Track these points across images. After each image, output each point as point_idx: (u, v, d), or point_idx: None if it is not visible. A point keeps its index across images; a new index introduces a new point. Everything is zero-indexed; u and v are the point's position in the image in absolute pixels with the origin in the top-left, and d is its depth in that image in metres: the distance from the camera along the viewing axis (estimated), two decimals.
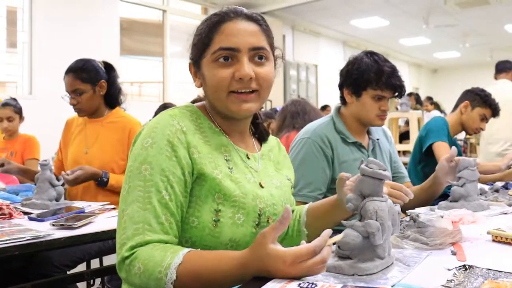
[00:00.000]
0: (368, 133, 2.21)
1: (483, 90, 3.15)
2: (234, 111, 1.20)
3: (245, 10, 1.23)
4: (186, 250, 1.05)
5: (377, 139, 2.22)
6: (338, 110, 2.20)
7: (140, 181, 1.10)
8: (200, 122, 1.24)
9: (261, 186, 1.26)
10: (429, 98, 10.45)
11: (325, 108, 8.57)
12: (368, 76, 2.03)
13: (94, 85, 2.50)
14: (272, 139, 1.46)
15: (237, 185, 1.19)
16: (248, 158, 1.29)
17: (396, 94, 2.08)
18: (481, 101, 3.09)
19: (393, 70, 2.05)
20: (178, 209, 1.13)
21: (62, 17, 6.46)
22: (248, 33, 1.19)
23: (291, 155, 2.09)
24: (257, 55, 1.20)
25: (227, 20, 1.20)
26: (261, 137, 1.41)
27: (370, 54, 2.10)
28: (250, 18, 1.22)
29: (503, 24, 11.17)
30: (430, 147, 2.90)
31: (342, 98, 2.16)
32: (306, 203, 1.93)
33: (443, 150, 2.80)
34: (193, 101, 1.38)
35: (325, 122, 2.15)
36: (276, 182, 1.34)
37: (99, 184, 2.35)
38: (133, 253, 1.05)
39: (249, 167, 1.27)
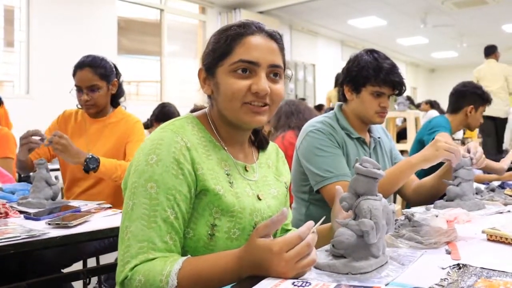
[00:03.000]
0: (369, 131, 2.22)
1: (478, 87, 3.27)
2: (245, 121, 1.22)
3: (266, 27, 1.25)
4: (185, 257, 1.06)
5: (379, 138, 2.24)
6: (340, 107, 2.21)
7: (146, 199, 1.10)
8: (202, 135, 1.24)
9: (259, 199, 1.27)
10: (427, 103, 10.52)
11: (320, 108, 8.50)
12: (367, 72, 2.04)
13: (108, 83, 2.49)
14: (270, 145, 1.46)
15: (237, 200, 1.20)
16: (247, 170, 1.30)
17: (396, 91, 2.09)
18: (482, 101, 3.22)
19: (392, 66, 2.06)
20: (182, 225, 1.14)
21: (59, 17, 6.45)
22: (268, 49, 1.21)
23: (302, 149, 2.08)
24: (273, 72, 1.22)
25: (249, 33, 1.21)
26: (260, 146, 1.42)
27: (370, 51, 2.12)
28: (270, 35, 1.24)
29: (500, 24, 11.20)
30: None
31: (343, 95, 2.17)
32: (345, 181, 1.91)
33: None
34: (192, 111, 1.39)
35: (329, 117, 2.16)
36: (273, 191, 1.35)
37: (89, 163, 2.20)
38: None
39: (247, 180, 1.28)
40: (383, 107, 2.08)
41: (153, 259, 1.06)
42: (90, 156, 2.22)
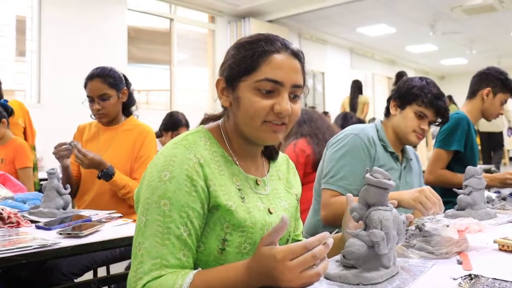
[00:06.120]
0: (403, 151, 2.28)
1: (501, 73, 3.00)
2: (264, 139, 1.22)
3: (291, 45, 1.25)
4: (195, 270, 1.06)
5: (411, 159, 2.30)
6: (381, 121, 2.29)
7: (159, 215, 1.10)
8: (214, 150, 1.24)
9: (270, 212, 1.27)
10: (450, 98, 10.61)
11: (325, 114, 8.54)
12: (417, 91, 2.15)
13: (118, 91, 2.57)
14: (280, 157, 1.46)
15: (249, 215, 1.20)
16: (258, 184, 1.30)
17: (438, 118, 2.16)
18: (502, 86, 2.96)
19: (441, 94, 2.16)
20: (195, 241, 1.14)
21: (70, 27, 6.52)
22: (292, 69, 1.21)
23: (335, 147, 2.14)
24: (294, 93, 1.22)
25: (275, 51, 1.20)
26: (270, 156, 1.42)
27: (424, 78, 2.24)
28: (295, 54, 1.23)
29: (510, 31, 11.14)
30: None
31: (387, 109, 2.27)
32: (341, 194, 1.98)
33: (437, 160, 2.88)
34: (203, 120, 1.38)
35: (370, 127, 2.24)
36: (284, 204, 1.35)
37: (103, 175, 2.35)
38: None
39: (258, 194, 1.28)
40: (422, 129, 2.15)
41: (165, 275, 1.07)
42: (105, 171, 2.35)
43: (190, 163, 1.15)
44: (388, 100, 2.28)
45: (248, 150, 1.30)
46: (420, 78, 2.22)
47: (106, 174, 2.35)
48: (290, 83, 1.20)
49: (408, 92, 2.17)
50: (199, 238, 1.16)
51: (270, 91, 1.18)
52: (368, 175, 1.11)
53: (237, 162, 1.27)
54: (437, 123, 2.19)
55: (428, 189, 1.75)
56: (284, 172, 1.44)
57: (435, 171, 2.85)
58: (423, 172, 2.63)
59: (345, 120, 4.64)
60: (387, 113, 2.27)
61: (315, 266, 0.95)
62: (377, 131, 2.21)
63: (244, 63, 1.20)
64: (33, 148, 3.75)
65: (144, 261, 1.08)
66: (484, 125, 7.95)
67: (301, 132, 3.47)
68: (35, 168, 3.42)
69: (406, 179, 2.20)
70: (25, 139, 3.69)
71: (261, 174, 1.34)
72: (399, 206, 1.73)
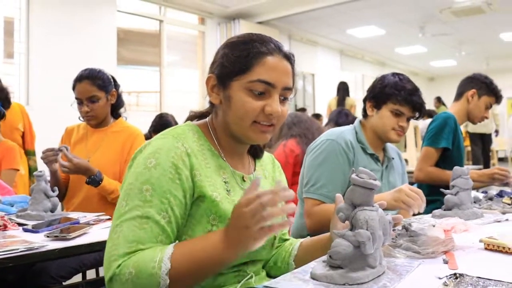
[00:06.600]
0: (384, 150, 2.27)
1: (487, 77, 3.07)
2: (252, 139, 1.24)
3: (284, 48, 1.26)
4: (175, 243, 1.08)
5: (392, 158, 2.28)
6: (360, 122, 2.27)
7: (140, 201, 1.11)
8: (202, 143, 1.25)
9: None
10: (439, 99, 10.73)
11: (318, 116, 8.56)
12: (390, 90, 2.12)
13: (107, 93, 2.56)
14: (266, 156, 1.48)
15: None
16: (244, 180, 1.31)
17: (416, 113, 2.15)
18: (487, 89, 3.03)
19: (415, 89, 2.14)
20: (175, 230, 1.14)
21: (59, 28, 6.48)
22: (284, 72, 1.23)
23: (313, 154, 2.14)
24: (284, 95, 1.25)
25: (268, 53, 1.22)
26: (255, 155, 1.43)
27: (396, 74, 2.21)
28: (287, 57, 1.25)
29: (498, 33, 11.24)
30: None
31: (364, 110, 2.25)
32: (322, 202, 1.98)
33: (426, 157, 2.90)
34: (189, 117, 1.39)
35: (349, 130, 2.22)
36: None
37: (91, 182, 2.35)
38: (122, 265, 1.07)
39: (244, 189, 1.29)
40: (400, 126, 2.13)
41: (141, 251, 1.08)
42: (93, 177, 2.34)
43: (177, 152, 1.16)
44: (364, 101, 2.26)
45: (236, 148, 1.31)
46: (393, 74, 2.19)
47: (94, 181, 2.35)
48: (282, 85, 1.22)
49: (382, 92, 2.15)
50: (181, 228, 1.17)
51: (262, 93, 1.20)
52: (354, 175, 1.12)
53: (224, 158, 1.29)
54: (415, 118, 2.19)
55: (406, 186, 1.76)
56: (270, 171, 1.46)
57: (425, 169, 2.87)
58: (409, 172, 2.64)
59: (340, 116, 4.65)
60: (365, 114, 2.25)
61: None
62: (356, 133, 2.20)
63: (238, 63, 1.21)
64: (33, 153, 3.70)
65: (119, 244, 1.08)
66: (475, 126, 8.10)
67: (291, 134, 3.50)
68: (32, 172, 3.39)
69: (389, 179, 2.20)
70: (23, 143, 3.66)
71: (248, 172, 1.36)
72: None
